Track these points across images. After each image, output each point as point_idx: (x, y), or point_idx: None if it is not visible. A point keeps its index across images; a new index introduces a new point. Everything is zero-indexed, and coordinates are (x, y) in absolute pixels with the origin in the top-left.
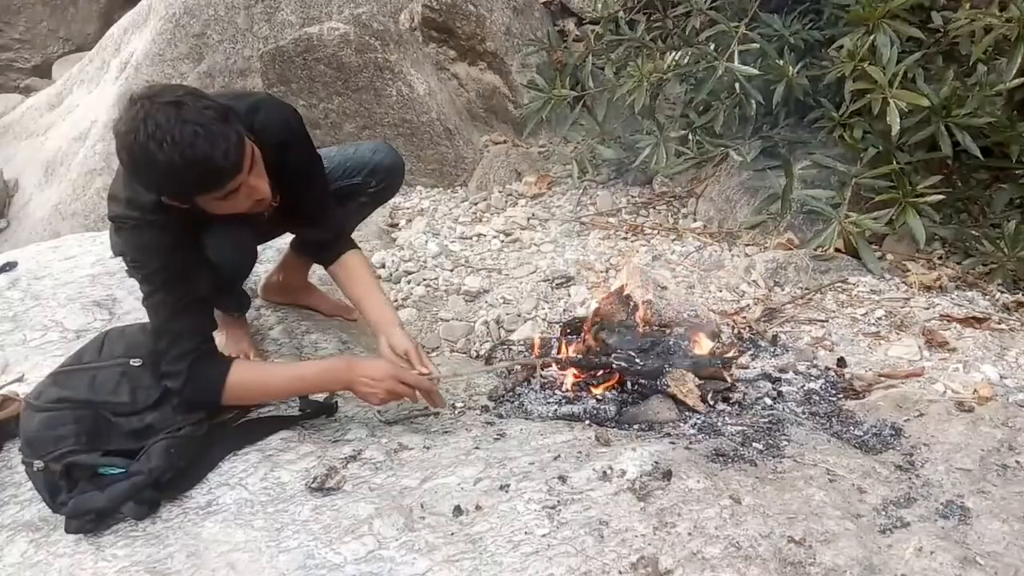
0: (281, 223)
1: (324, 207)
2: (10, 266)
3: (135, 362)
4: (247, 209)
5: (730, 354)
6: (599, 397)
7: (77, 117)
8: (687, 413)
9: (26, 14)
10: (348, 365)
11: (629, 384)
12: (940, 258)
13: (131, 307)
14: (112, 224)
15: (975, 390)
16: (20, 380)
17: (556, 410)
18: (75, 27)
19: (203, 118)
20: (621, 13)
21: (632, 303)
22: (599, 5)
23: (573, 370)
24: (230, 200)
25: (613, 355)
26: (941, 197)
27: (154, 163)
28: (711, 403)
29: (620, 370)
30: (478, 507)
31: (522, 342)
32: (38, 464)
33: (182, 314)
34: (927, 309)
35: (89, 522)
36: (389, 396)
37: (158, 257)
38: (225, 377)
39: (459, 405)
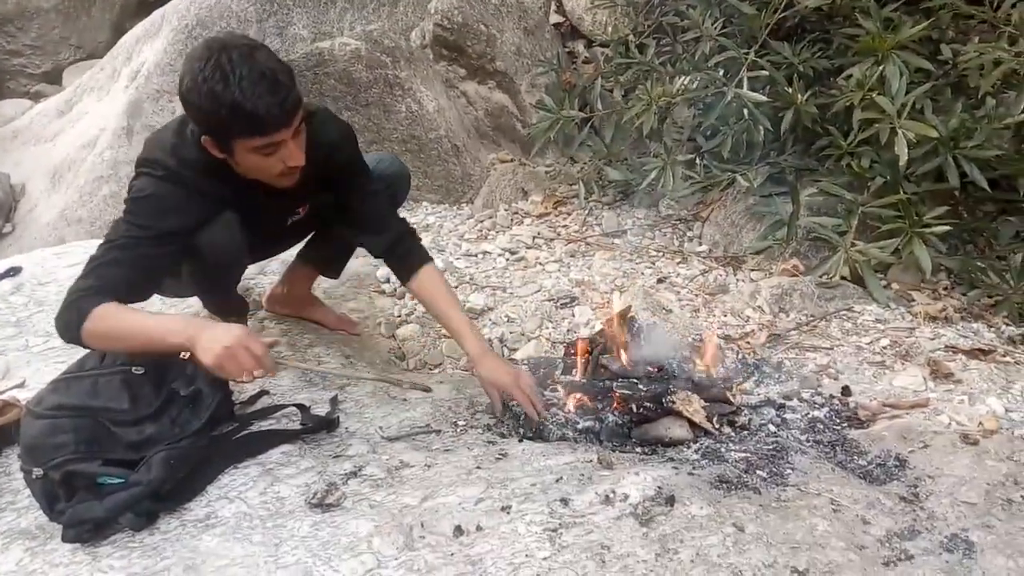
0: (307, 226)
1: (379, 212)
2: (15, 271)
3: (137, 370)
4: (276, 174)
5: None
6: (603, 419)
7: (86, 124)
8: (698, 433)
9: (39, 20)
10: (201, 323)
11: (634, 408)
12: (946, 289)
13: None
14: (138, 167)
15: (980, 423)
16: (21, 386)
17: (560, 431)
18: (87, 35)
19: (272, 65)
20: (631, 37)
21: (636, 326)
22: (609, 28)
23: (577, 394)
24: (266, 156)
25: (616, 382)
26: (947, 228)
27: (213, 95)
28: (717, 426)
29: (624, 397)
30: (479, 528)
31: (524, 360)
32: (37, 472)
33: (121, 268)
34: (932, 340)
35: (87, 532)
36: (224, 364)
37: (154, 215)
38: (88, 312)
39: (461, 423)
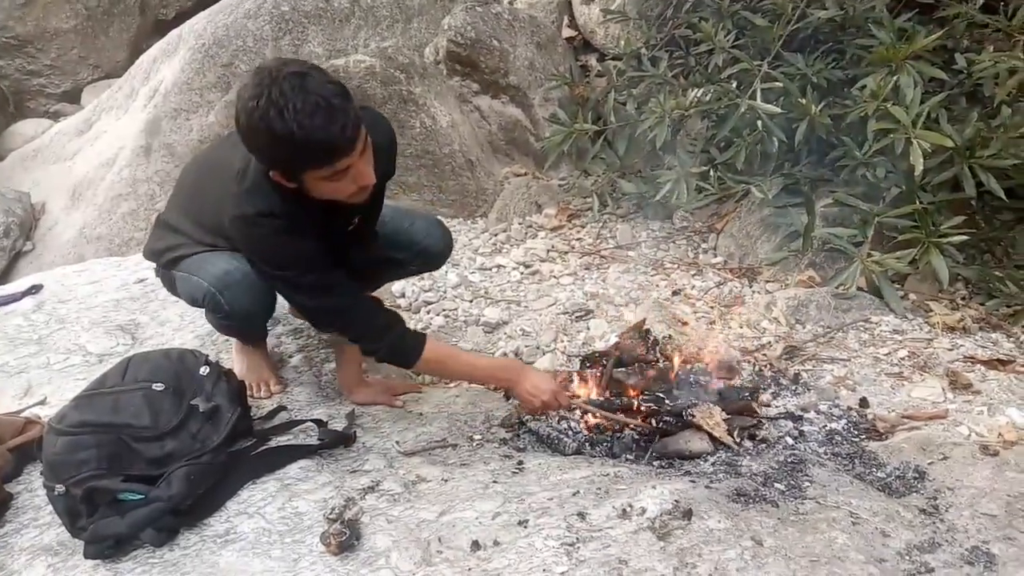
0: (362, 236)
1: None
2: (36, 289)
3: (157, 386)
4: (350, 195)
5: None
6: (620, 435)
7: (105, 143)
8: (717, 445)
9: (58, 41)
10: (520, 368)
11: (654, 421)
12: (963, 299)
13: (153, 332)
14: (245, 228)
15: (1000, 434)
16: (42, 403)
17: (575, 445)
18: (105, 55)
19: (326, 91)
20: (644, 50)
21: (652, 339)
22: (622, 41)
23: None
24: (336, 181)
25: (640, 396)
26: (964, 238)
27: (271, 132)
28: (737, 440)
29: (649, 411)
30: (496, 542)
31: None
32: (59, 488)
33: (359, 299)
34: (951, 350)
35: (108, 548)
36: (543, 407)
37: (318, 260)
38: (422, 350)
39: (477, 437)
